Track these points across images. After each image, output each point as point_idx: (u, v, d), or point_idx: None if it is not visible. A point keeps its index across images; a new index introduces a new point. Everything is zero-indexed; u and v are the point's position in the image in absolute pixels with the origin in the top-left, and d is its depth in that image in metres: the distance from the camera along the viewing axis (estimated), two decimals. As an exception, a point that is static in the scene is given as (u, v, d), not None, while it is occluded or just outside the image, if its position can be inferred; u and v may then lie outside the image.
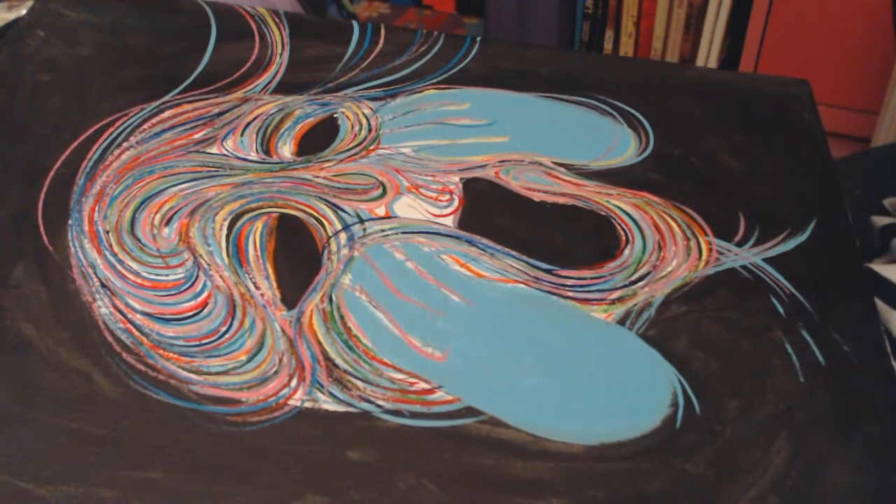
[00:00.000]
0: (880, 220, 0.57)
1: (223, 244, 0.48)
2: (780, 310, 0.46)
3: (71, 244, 0.47)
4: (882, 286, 0.49)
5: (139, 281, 0.46)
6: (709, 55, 1.52)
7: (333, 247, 0.48)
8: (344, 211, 0.50)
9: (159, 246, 0.48)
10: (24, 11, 0.65)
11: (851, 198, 0.67)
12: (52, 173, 0.51)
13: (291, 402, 0.41)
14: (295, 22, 0.63)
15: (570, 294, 0.46)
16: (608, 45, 1.61)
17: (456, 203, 0.51)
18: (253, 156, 0.53)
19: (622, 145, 0.56)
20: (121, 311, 0.44)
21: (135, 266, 0.46)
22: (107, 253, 0.47)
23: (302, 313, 0.44)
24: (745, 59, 1.50)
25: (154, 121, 0.55)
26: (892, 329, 0.48)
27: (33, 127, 0.54)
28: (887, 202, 0.60)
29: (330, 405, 0.41)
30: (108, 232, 0.48)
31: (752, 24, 1.46)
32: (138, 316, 0.44)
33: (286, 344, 0.43)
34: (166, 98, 0.57)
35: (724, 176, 0.54)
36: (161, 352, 0.42)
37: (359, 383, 0.42)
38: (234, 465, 0.38)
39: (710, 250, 0.49)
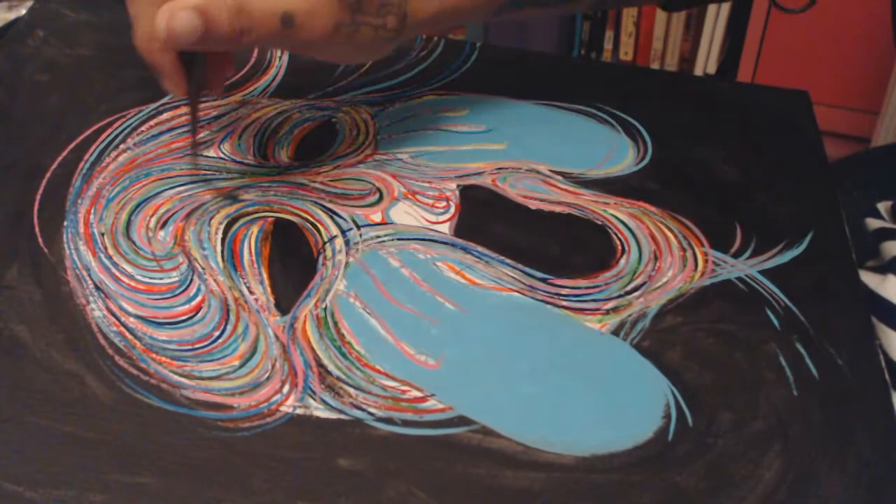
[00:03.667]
0: (873, 223, 0.57)
1: (218, 248, 0.48)
2: (776, 322, 0.46)
3: (66, 246, 0.47)
4: (874, 302, 0.49)
5: (133, 284, 0.46)
6: (709, 55, 1.52)
7: (329, 252, 0.48)
8: (340, 216, 0.50)
9: (154, 249, 0.48)
10: (24, 11, 0.65)
11: (849, 199, 0.67)
12: (48, 174, 0.51)
13: (283, 409, 0.41)
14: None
15: (564, 303, 0.46)
16: (608, 46, 1.61)
17: (452, 210, 0.51)
18: (250, 160, 0.53)
19: (620, 154, 0.56)
20: (114, 314, 0.44)
21: (129, 269, 0.46)
22: (101, 255, 0.47)
23: (295, 319, 0.44)
24: (745, 59, 1.50)
25: (152, 123, 0.55)
26: (885, 346, 0.48)
27: (31, 127, 0.54)
28: (880, 205, 0.60)
29: (322, 412, 0.41)
30: (103, 234, 0.48)
31: (753, 24, 1.46)
32: (131, 319, 0.44)
33: (279, 350, 0.43)
34: (165, 100, 0.57)
35: (721, 186, 0.54)
36: (153, 356, 0.42)
37: (351, 390, 0.42)
38: (225, 471, 0.38)
39: (706, 261, 0.49)
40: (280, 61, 0.61)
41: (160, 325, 0.44)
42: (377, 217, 0.50)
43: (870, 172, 0.72)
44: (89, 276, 0.46)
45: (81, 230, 0.48)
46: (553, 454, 0.40)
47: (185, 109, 0.56)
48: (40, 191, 0.50)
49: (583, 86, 0.60)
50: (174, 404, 0.41)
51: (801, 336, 0.45)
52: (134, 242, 0.48)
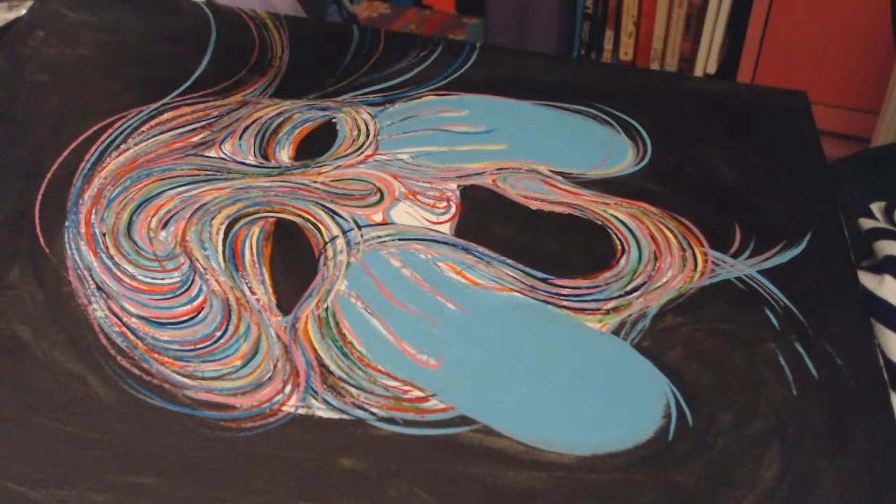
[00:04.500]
0: (866, 223, 0.57)
1: (219, 248, 0.48)
2: (775, 322, 0.46)
3: (67, 246, 0.47)
4: (873, 304, 0.49)
5: (135, 284, 0.46)
6: (709, 55, 1.52)
7: (330, 253, 0.48)
8: (341, 217, 0.50)
9: (156, 249, 0.48)
10: (24, 11, 0.65)
11: (848, 199, 0.67)
12: (49, 174, 0.51)
13: (285, 409, 0.41)
14: (295, 25, 0.63)
15: (565, 303, 0.46)
16: (608, 46, 1.61)
17: (453, 210, 0.51)
18: (251, 160, 0.53)
19: (620, 154, 0.56)
20: (116, 315, 0.44)
21: (131, 269, 0.46)
22: (103, 255, 0.47)
23: (297, 319, 0.45)
24: (745, 59, 1.49)
25: (153, 123, 0.55)
26: (884, 347, 0.48)
27: (32, 127, 0.54)
28: (874, 206, 0.60)
29: (324, 412, 0.41)
30: (104, 234, 0.48)
31: (753, 24, 1.46)
32: (133, 319, 0.44)
33: (281, 350, 0.43)
34: (165, 100, 0.57)
35: (720, 187, 0.54)
36: (155, 356, 0.42)
37: (353, 390, 0.42)
38: (227, 471, 0.38)
39: (706, 261, 0.49)
40: (281, 61, 0.61)
41: (162, 325, 0.44)
42: (378, 217, 0.50)
43: (869, 173, 0.72)
44: (91, 276, 0.46)
45: (83, 230, 0.48)
46: (554, 454, 0.40)
47: (185, 110, 0.56)
48: (41, 191, 0.50)
49: (583, 86, 0.60)
50: (176, 404, 0.41)
51: (800, 336, 0.46)
52: (135, 242, 0.48)
